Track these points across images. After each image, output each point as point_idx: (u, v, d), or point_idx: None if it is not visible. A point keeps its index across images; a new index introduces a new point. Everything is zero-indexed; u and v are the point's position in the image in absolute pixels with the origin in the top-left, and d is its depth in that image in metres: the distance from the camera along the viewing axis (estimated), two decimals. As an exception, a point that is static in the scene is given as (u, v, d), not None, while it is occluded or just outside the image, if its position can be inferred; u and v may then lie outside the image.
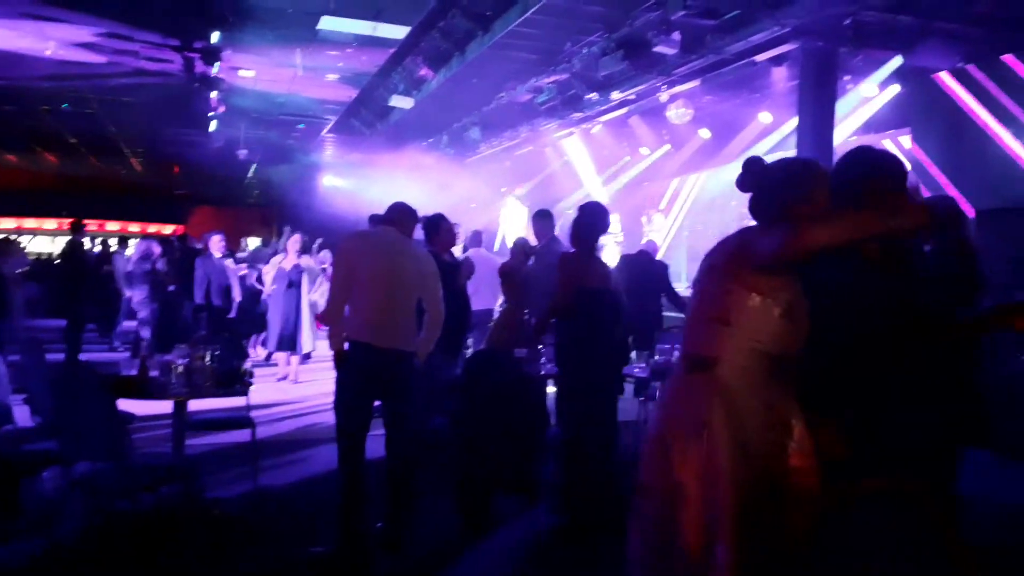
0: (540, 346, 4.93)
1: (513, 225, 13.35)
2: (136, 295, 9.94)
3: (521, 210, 14.15)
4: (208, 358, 4.13)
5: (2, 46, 10.78)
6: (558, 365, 4.19)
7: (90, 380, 3.90)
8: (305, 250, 9.23)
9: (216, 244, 9.08)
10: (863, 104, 10.04)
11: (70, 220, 10.08)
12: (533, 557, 3.80)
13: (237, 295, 9.15)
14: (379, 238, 3.95)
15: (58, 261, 10.33)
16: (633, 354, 5.19)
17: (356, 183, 17.58)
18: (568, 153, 14.72)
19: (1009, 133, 8.11)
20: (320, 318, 10.48)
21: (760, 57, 8.51)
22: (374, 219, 8.05)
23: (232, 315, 9.07)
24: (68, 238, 10.14)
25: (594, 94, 10.30)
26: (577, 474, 3.98)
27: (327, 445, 5.76)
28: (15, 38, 10.44)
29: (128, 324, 12.08)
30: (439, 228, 5.44)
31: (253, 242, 22.79)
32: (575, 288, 4.07)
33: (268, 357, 9.53)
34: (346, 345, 3.75)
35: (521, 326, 5.81)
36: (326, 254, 14.09)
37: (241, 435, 4.88)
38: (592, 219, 4.28)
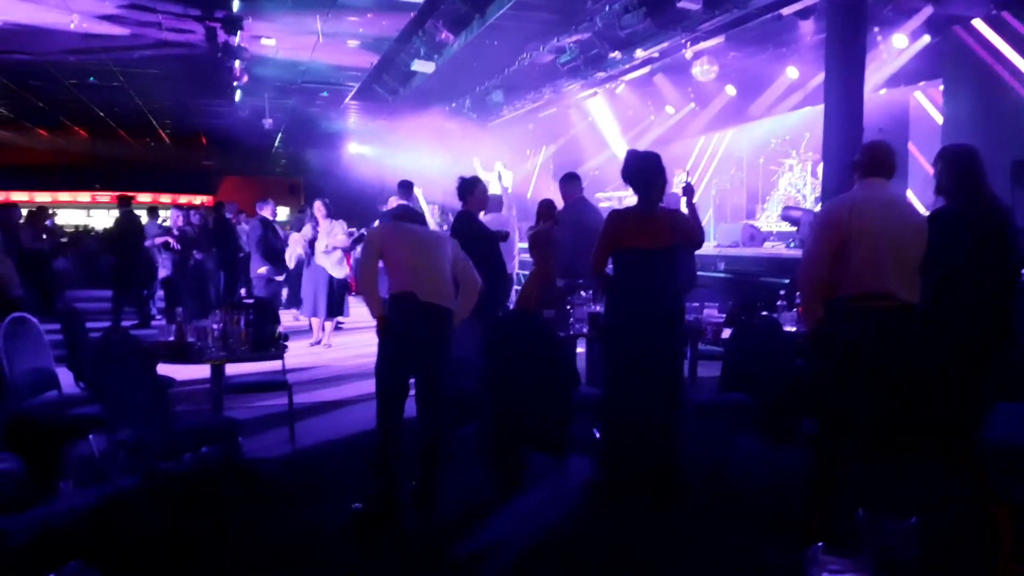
0: (568, 307, 4.98)
1: (498, 188, 13.50)
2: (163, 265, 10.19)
3: (506, 174, 14.25)
4: (243, 323, 4.25)
5: (27, 20, 10.89)
6: (606, 326, 4.17)
7: (130, 346, 4.03)
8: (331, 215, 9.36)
9: (270, 211, 9.67)
10: (894, 56, 9.82)
11: (116, 194, 10.46)
12: (563, 514, 3.89)
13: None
14: (405, 225, 4.12)
15: (112, 234, 10.77)
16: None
17: (380, 150, 17.61)
18: (592, 114, 14.60)
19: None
20: (356, 288, 10.70)
21: (786, 11, 8.36)
22: (403, 185, 8.13)
23: (281, 278, 9.48)
24: (118, 212, 10.61)
25: (617, 53, 10.18)
26: (614, 435, 4.02)
27: (360, 406, 5.92)
28: (39, 12, 10.53)
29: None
30: (474, 190, 5.57)
31: (281, 211, 23.01)
32: (608, 248, 4.02)
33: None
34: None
35: (549, 288, 5.86)
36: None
37: (277, 397, 5.02)
38: (639, 167, 4.05)
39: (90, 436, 4.42)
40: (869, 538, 1.46)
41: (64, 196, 24.45)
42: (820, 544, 1.52)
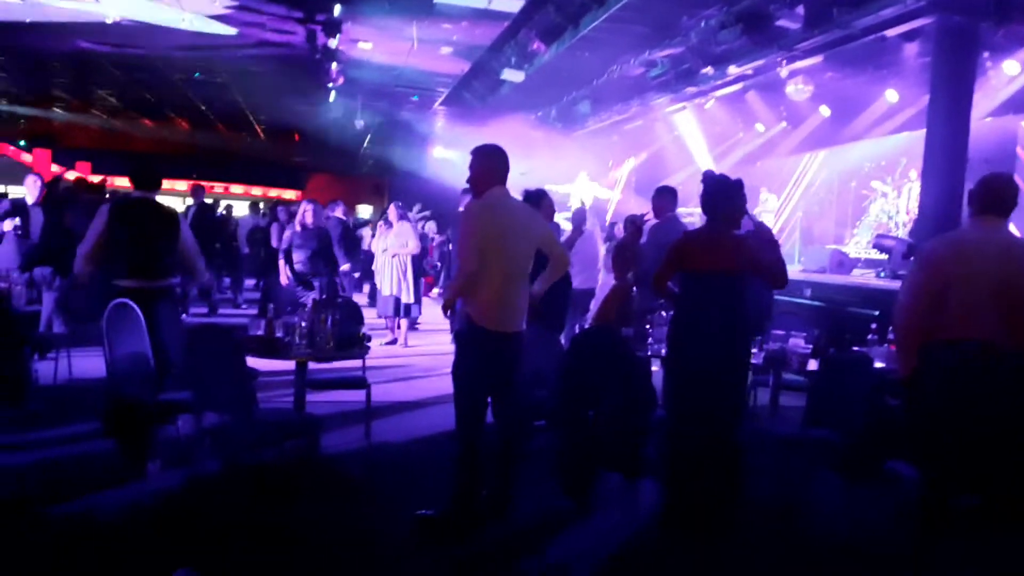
0: (648, 325, 4.93)
1: (581, 198, 13.40)
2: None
3: (590, 186, 14.04)
4: (329, 322, 4.36)
5: (142, 17, 11.48)
6: (667, 347, 4.15)
7: (222, 339, 4.19)
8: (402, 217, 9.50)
9: (341, 211, 9.80)
10: (1004, 83, 9.37)
11: (192, 183, 10.80)
12: (631, 537, 3.85)
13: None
14: (505, 203, 3.85)
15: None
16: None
17: (465, 155, 17.79)
18: (679, 128, 14.43)
19: None
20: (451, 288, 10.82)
21: (890, 32, 8.07)
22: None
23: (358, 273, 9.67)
24: (195, 202, 10.94)
25: (709, 68, 10.03)
26: (675, 461, 3.96)
27: (435, 407, 6.01)
28: (154, 10, 11.09)
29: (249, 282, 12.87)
30: (541, 203, 5.52)
31: (364, 210, 23.54)
32: (671, 267, 4.02)
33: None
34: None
35: (629, 304, 5.81)
36: (431, 225, 14.43)
37: (355, 395, 5.12)
38: (711, 191, 3.99)
39: (178, 421, 4.62)
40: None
41: (163, 184, 25.56)
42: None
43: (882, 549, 3.59)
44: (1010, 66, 8.78)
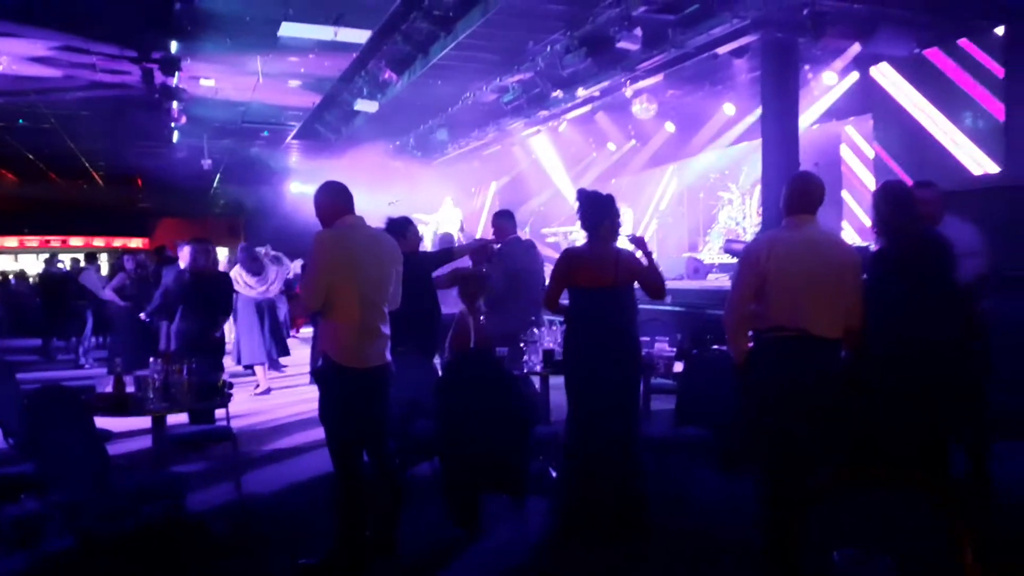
0: (522, 344, 4.93)
1: (447, 225, 13.50)
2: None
3: (455, 212, 14.21)
4: (185, 372, 4.08)
5: (-47, 63, 10.54)
6: (564, 362, 4.18)
7: (67, 401, 3.83)
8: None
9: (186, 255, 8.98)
10: (825, 92, 10.21)
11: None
12: (524, 556, 3.82)
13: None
14: (354, 232, 3.67)
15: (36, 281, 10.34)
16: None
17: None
18: (536, 151, 14.76)
19: (969, 115, 8.31)
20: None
21: (721, 50, 8.62)
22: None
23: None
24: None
25: (559, 92, 10.35)
26: (574, 477, 3.99)
27: (309, 452, 5.76)
28: (-34, 55, 10.21)
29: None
30: (406, 232, 5.42)
31: (219, 253, 22.53)
32: (559, 284, 4.09)
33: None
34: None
35: (466, 333, 5.67)
36: (297, 264, 13.96)
37: (223, 449, 4.83)
38: (590, 208, 4.11)
39: (21, 497, 4.17)
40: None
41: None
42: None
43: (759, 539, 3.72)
44: (828, 76, 9.56)
